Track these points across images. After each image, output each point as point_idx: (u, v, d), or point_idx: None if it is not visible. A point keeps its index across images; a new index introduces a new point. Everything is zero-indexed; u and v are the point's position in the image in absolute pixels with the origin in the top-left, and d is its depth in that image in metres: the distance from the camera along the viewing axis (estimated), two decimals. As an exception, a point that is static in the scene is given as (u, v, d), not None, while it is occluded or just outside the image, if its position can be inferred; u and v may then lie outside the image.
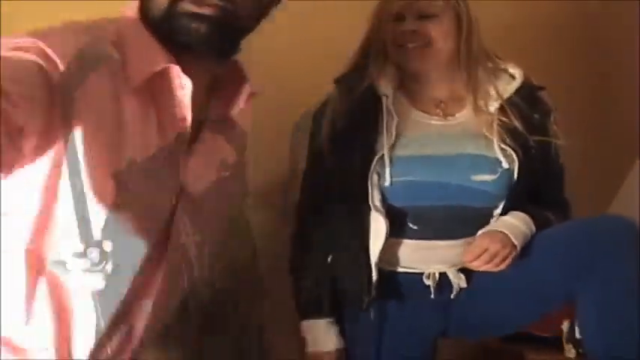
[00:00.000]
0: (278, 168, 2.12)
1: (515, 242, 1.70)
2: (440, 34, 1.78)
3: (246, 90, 1.25)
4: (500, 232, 1.72)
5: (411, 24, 1.78)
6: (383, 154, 1.76)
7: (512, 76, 1.85)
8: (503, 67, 1.86)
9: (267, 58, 2.01)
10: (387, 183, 1.75)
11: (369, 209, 1.75)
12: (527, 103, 1.82)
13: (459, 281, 1.78)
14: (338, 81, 1.86)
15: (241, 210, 2.01)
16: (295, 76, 2.18)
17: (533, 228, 1.75)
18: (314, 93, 1.92)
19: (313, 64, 2.21)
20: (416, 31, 1.77)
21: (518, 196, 1.79)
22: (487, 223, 1.79)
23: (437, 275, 1.78)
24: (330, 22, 2.25)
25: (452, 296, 1.79)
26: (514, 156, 1.77)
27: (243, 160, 1.37)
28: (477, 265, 1.71)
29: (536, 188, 1.83)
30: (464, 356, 2.11)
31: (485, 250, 1.70)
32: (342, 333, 1.84)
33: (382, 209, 1.75)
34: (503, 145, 1.78)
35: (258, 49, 1.25)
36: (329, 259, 1.84)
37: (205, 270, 1.29)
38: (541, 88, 1.87)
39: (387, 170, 1.75)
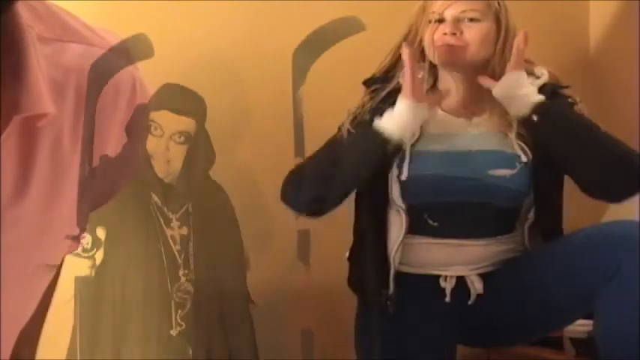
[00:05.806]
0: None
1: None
2: (477, 39, 1.78)
3: None
4: None
5: (451, 26, 1.78)
6: (404, 150, 1.79)
7: (538, 78, 1.85)
8: (530, 70, 1.86)
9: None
10: (404, 177, 1.78)
11: (389, 205, 1.79)
12: (547, 99, 1.81)
13: (477, 287, 1.79)
14: (366, 83, 1.88)
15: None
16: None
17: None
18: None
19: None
20: (455, 33, 1.78)
21: (542, 191, 1.80)
22: (511, 223, 1.81)
23: (454, 279, 1.80)
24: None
25: (469, 302, 1.80)
26: (528, 151, 1.79)
27: None
28: None
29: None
30: (465, 353, 2.13)
31: None
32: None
33: (401, 205, 1.78)
34: (519, 142, 1.80)
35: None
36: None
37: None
38: (565, 87, 1.88)
39: (406, 164, 1.78)
